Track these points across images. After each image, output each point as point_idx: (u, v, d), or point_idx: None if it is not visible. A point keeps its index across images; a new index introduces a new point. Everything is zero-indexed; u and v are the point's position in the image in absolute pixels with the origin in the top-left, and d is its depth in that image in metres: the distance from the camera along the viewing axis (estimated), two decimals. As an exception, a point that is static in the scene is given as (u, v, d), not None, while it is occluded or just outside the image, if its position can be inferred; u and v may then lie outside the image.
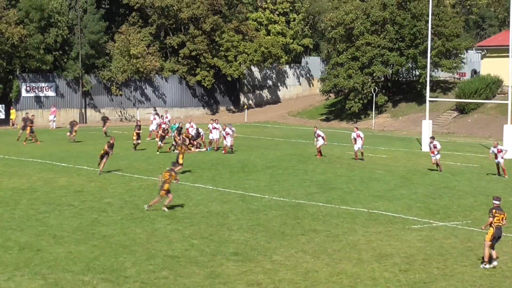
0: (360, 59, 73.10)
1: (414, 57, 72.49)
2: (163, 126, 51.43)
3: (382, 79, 77.06)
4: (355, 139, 45.17)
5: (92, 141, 55.11)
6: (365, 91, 73.06)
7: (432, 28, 58.57)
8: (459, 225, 26.93)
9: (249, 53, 79.23)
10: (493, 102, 65.64)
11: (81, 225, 25.99)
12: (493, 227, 20.71)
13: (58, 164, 41.46)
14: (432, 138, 42.36)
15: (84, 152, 47.34)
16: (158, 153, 47.49)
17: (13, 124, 67.88)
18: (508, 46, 51.15)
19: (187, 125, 51.20)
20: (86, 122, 73.05)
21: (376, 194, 33.50)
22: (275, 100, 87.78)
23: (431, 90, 64.29)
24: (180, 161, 37.58)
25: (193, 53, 78.18)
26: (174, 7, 77.67)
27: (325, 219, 27.64)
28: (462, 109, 69.52)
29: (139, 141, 49.24)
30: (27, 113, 63.62)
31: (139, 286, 19.15)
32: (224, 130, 48.12)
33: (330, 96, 78.98)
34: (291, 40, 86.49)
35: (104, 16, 76.98)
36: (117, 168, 39.98)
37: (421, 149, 51.41)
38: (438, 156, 40.79)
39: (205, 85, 79.50)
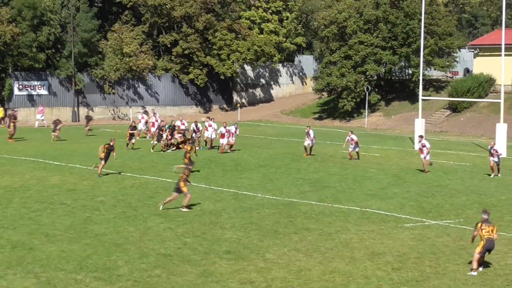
0: (353, 57, 73.17)
1: (407, 55, 72.58)
2: (157, 124, 51.29)
3: (375, 77, 77.10)
4: (348, 141, 44.92)
5: (85, 139, 55.06)
6: (358, 90, 73.11)
7: (425, 26, 58.68)
8: (452, 223, 26.98)
9: (242, 51, 79.19)
10: (486, 101, 65.77)
11: (73, 223, 25.96)
12: (483, 240, 20.64)
13: (51, 163, 41.39)
14: (421, 137, 42.02)
15: (77, 151, 47.27)
16: (152, 151, 47.55)
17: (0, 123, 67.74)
18: (501, 45, 51.30)
19: (178, 123, 51.20)
20: (78, 121, 72.87)
21: (369, 192, 33.55)
22: (268, 99, 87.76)
23: (424, 88, 64.39)
24: (186, 161, 37.33)
25: (186, 52, 78.10)
26: (167, 6, 77.57)
27: (318, 217, 27.66)
28: (454, 108, 69.64)
29: (133, 141, 48.87)
30: (12, 109, 63.31)
31: (131, 285, 19.14)
32: (224, 127, 47.93)
33: (323, 95, 79.00)
34: (284, 39, 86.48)
35: (97, 14, 76.83)
36: (110, 166, 39.92)
37: (414, 148, 51.48)
38: (428, 157, 40.15)
39: (198, 83, 79.43)
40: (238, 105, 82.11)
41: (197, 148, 49.48)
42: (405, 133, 63.35)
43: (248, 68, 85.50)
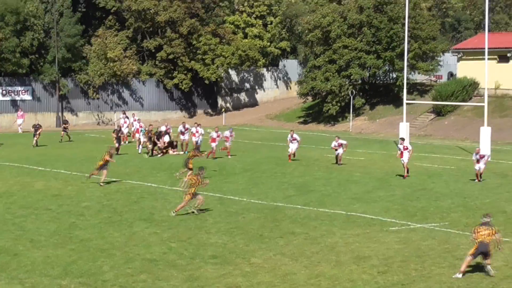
0: (337, 62, 73.31)
1: (391, 59, 72.79)
2: (141, 129, 51.03)
3: (360, 81, 77.25)
4: (336, 147, 44.48)
5: (69, 144, 54.88)
6: (342, 94, 73.25)
7: (408, 31, 58.90)
8: (437, 227, 27.05)
9: (226, 56, 79.18)
10: (470, 105, 66.04)
11: (58, 229, 25.85)
12: (476, 243, 20.67)
13: (35, 168, 41.23)
14: (402, 139, 41.84)
15: (62, 156, 47.11)
16: (147, 156, 47.36)
17: None
18: (484, 48, 51.53)
19: (163, 128, 50.97)
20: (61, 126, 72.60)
21: (354, 196, 33.60)
22: (253, 103, 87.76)
23: (408, 92, 64.57)
24: (190, 165, 37.08)
25: (170, 57, 78.03)
26: (151, 11, 77.48)
27: (304, 221, 27.67)
28: (439, 112, 69.88)
29: (117, 145, 48.55)
30: None
31: (117, 290, 19.09)
32: (216, 132, 47.83)
33: (307, 99, 79.04)
34: (269, 43, 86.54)
35: (81, 19, 76.59)
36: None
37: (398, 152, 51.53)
38: (406, 160, 39.46)
39: (183, 88, 79.35)
40: (223, 109, 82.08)
41: (181, 152, 49.46)
42: (389, 137, 63.48)
43: (232, 72, 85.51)
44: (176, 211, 28.44)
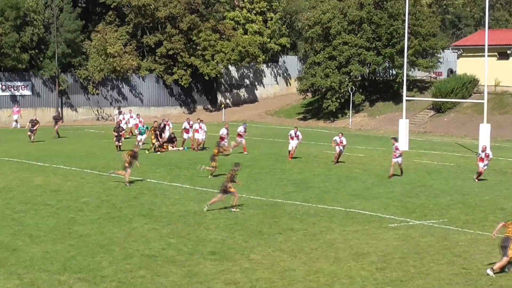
0: (337, 58, 73.26)
1: (391, 56, 72.75)
2: (141, 126, 50.66)
3: (359, 78, 77.26)
4: (336, 143, 43.64)
5: (69, 140, 54.85)
6: (342, 90, 73.23)
7: (408, 27, 58.85)
8: (436, 223, 27.06)
9: (226, 52, 79.13)
10: (469, 102, 66.02)
11: (57, 224, 25.86)
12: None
13: (34, 163, 41.21)
14: (395, 139, 40.57)
15: (61, 152, 47.08)
16: (157, 152, 47.20)
17: None
18: (484, 45, 51.51)
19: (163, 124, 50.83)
20: (62, 122, 72.53)
21: (353, 193, 33.60)
22: (253, 99, 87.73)
23: (408, 89, 64.57)
24: (214, 164, 36.92)
25: (170, 52, 77.97)
26: (151, 6, 77.39)
27: (302, 218, 27.68)
28: (438, 108, 69.87)
29: (120, 143, 48.05)
30: None
31: (116, 286, 19.09)
32: (226, 128, 47.58)
33: (307, 95, 79.04)
34: (268, 39, 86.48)
35: (81, 14, 76.52)
36: (94, 167, 39.85)
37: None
38: (399, 159, 38.76)
39: (182, 84, 79.31)
40: (223, 105, 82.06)
41: (180, 148, 49.43)
42: (389, 134, 63.38)
43: (232, 68, 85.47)
44: (209, 204, 28.65)
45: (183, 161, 43.18)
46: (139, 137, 48.57)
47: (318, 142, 54.69)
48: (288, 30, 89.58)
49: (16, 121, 66.59)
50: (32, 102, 72.70)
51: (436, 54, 75.84)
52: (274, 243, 23.61)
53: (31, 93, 73.17)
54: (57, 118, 58.82)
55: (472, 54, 71.41)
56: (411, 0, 69.00)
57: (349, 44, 72.91)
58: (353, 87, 73.46)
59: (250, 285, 19.26)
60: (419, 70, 75.38)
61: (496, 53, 69.96)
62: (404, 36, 57.54)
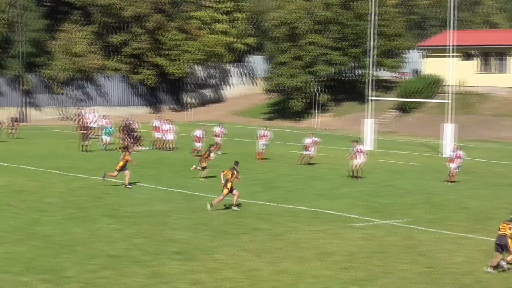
0: (303, 58, 73.45)
1: (357, 56, 73.10)
2: (106, 127, 50.19)
3: (325, 78, 77.50)
4: (308, 146, 43.24)
5: (33, 140, 54.39)
6: (308, 90, 73.44)
7: (374, 27, 59.13)
8: (400, 223, 27.18)
9: (192, 52, 79.01)
10: (434, 102, 66.52)
11: (20, 225, 25.58)
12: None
13: (-2, 164, 40.82)
14: (356, 142, 39.53)
15: (25, 152, 46.69)
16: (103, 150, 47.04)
17: None
18: (449, 46, 51.91)
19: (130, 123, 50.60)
20: (26, 121, 72.02)
21: (318, 192, 33.67)
22: (219, 99, 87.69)
23: (374, 89, 64.84)
24: (204, 164, 36.71)
25: (136, 52, 77.72)
26: (117, 6, 77.06)
27: (268, 217, 27.67)
28: (403, 108, 70.33)
29: (87, 142, 47.66)
30: None
31: (80, 286, 18.92)
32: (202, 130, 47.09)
33: (273, 95, 79.17)
34: (235, 39, 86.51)
35: (46, 14, 76.00)
36: (59, 167, 39.55)
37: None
38: (359, 161, 37.90)
39: (148, 84, 79.08)
40: (188, 105, 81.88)
41: (145, 148, 49.13)
42: (355, 133, 63.57)
43: (198, 68, 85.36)
44: (213, 205, 28.62)
45: (148, 160, 42.99)
46: (104, 138, 48.20)
47: (284, 142, 54.75)
48: (254, 30, 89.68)
49: None
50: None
51: (401, 55, 76.42)
52: (239, 243, 23.56)
53: (-6, 92, 72.54)
54: (15, 120, 57.35)
55: (437, 54, 71.97)
56: (377, 1, 69.36)
57: (315, 44, 73.14)
58: (319, 87, 73.68)
59: (215, 285, 19.20)
60: (384, 70, 75.86)
61: (461, 54, 70.56)
62: (370, 37, 57.83)
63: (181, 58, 78.94)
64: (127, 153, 34.45)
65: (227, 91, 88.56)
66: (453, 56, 52.84)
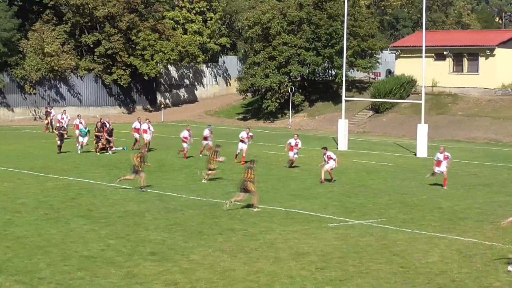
0: (277, 58, 73.52)
1: (330, 57, 73.27)
2: (82, 128, 49.73)
3: (299, 78, 77.65)
4: (291, 146, 42.24)
5: (5, 140, 54.01)
6: (282, 91, 73.52)
7: (347, 28, 59.31)
8: (374, 223, 27.28)
9: (165, 52, 78.77)
10: (407, 102, 66.84)
11: (-7, 226, 25.40)
12: None
13: (-30, 164, 40.48)
14: (325, 149, 37.91)
15: (-3, 152, 46.34)
16: (98, 154, 46.43)
17: None
18: (422, 46, 52.21)
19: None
20: (-2, 122, 71.49)
21: (293, 193, 33.72)
22: (192, 99, 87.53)
23: (347, 89, 65.05)
24: (212, 166, 36.30)
25: (109, 52, 77.35)
26: (89, 5, 76.65)
27: (243, 218, 27.67)
28: (377, 109, 70.56)
29: (59, 143, 47.23)
30: None
31: (54, 287, 18.83)
32: (188, 131, 46.41)
33: (247, 96, 79.17)
34: (208, 39, 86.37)
35: (17, 13, 75.35)
36: (32, 167, 39.28)
37: (337, 148, 51.88)
38: (328, 165, 36.74)
39: (122, 84, 78.73)
40: (162, 105, 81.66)
41: (119, 148, 48.90)
42: (328, 134, 63.87)
43: (172, 68, 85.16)
44: (232, 202, 28.87)
45: (122, 161, 42.80)
46: (80, 139, 47.41)
47: (258, 142, 54.71)
48: (228, 30, 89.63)
49: None
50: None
51: (374, 55, 76.66)
52: (214, 244, 23.54)
53: (-35, 93, 71.87)
54: None
55: (410, 55, 72.32)
56: (350, 1, 69.61)
57: (289, 45, 73.24)
58: (293, 88, 73.79)
59: (190, 286, 19.17)
60: (358, 70, 76.08)
61: (433, 54, 71.03)
62: (343, 37, 58.00)
63: (154, 58, 78.71)
64: (139, 154, 33.62)
65: (201, 92, 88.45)
66: (425, 56, 53.13)
